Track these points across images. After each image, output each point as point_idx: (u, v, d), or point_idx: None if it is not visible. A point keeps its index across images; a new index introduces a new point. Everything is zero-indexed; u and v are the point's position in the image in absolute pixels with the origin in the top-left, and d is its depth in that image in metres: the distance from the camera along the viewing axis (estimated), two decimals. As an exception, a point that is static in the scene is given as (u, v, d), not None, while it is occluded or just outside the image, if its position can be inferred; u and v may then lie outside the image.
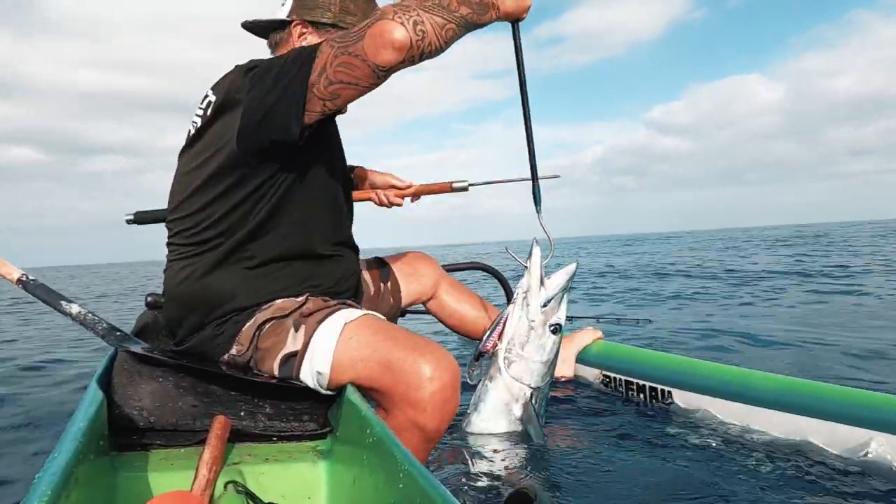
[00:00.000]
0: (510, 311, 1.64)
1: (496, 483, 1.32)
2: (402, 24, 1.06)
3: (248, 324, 1.26)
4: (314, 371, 1.19)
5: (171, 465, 1.04)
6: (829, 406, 1.45)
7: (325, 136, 1.34)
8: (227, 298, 1.28)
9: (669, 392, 1.87)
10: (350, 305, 1.33)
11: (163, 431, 1.12)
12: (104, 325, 1.32)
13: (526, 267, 1.63)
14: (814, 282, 6.24)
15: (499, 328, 1.64)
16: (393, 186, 1.96)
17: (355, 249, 1.53)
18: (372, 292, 1.77)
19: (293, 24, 1.41)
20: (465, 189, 2.01)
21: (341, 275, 1.43)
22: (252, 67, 1.25)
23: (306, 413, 1.22)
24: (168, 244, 1.36)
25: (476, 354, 1.66)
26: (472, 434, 1.65)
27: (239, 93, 1.23)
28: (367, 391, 1.18)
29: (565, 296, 1.63)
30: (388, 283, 1.85)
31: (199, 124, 1.30)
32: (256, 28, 1.49)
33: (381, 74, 1.12)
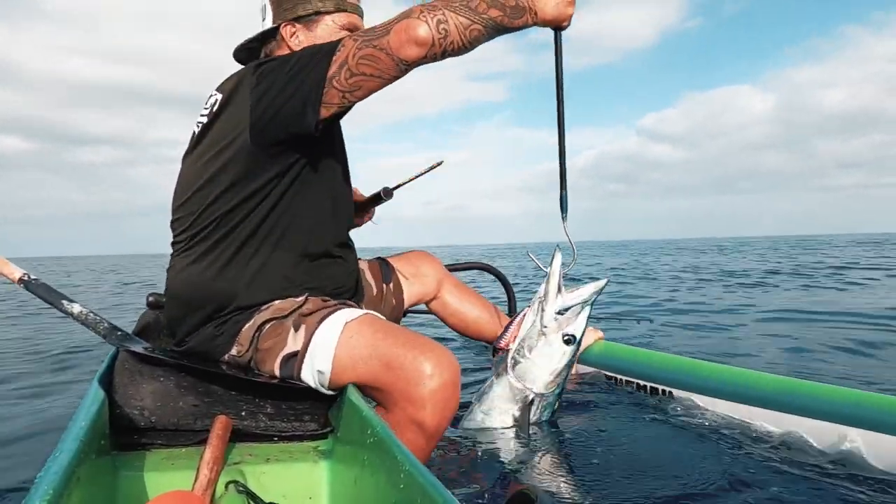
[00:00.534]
0: (527, 312, 1.63)
1: (498, 483, 1.32)
2: (425, 21, 1.13)
3: (247, 325, 1.27)
4: (315, 370, 1.20)
5: (172, 464, 1.04)
6: (829, 407, 1.45)
7: (330, 136, 1.35)
8: (228, 298, 1.28)
9: (670, 392, 1.87)
10: (350, 305, 1.33)
11: (164, 431, 1.13)
12: (105, 324, 1.32)
13: (546, 272, 1.61)
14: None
15: (513, 328, 1.63)
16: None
17: (353, 250, 1.53)
18: (374, 293, 1.77)
19: (281, 27, 1.42)
20: (390, 197, 1.95)
21: (341, 276, 1.43)
22: (261, 64, 1.27)
23: (307, 413, 1.22)
24: (172, 244, 1.37)
25: (493, 349, 1.66)
26: (471, 428, 1.65)
27: (244, 87, 1.24)
28: (367, 390, 1.18)
29: (586, 309, 1.60)
30: (391, 285, 1.85)
31: (204, 123, 1.31)
32: (248, 50, 1.49)
33: (403, 68, 1.17)
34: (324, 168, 1.35)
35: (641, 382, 1.98)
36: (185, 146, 1.38)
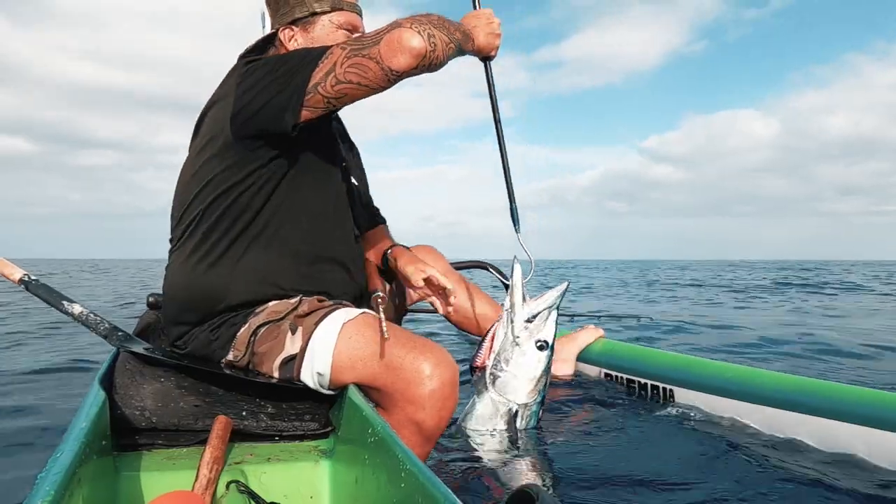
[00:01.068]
0: (497, 327, 1.64)
1: (498, 482, 1.32)
2: (418, 33, 1.14)
3: (242, 329, 1.26)
4: (314, 372, 1.19)
5: (173, 464, 1.04)
6: (830, 404, 1.45)
7: (317, 139, 1.34)
8: (217, 295, 1.28)
9: (671, 390, 1.87)
10: (346, 305, 1.33)
11: (165, 431, 1.13)
12: (106, 325, 1.32)
13: (507, 285, 1.63)
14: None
15: (487, 344, 1.64)
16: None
17: (358, 260, 1.50)
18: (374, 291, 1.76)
19: (280, 31, 1.43)
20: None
21: (340, 284, 1.40)
22: (251, 61, 1.29)
23: (308, 413, 1.22)
24: (169, 241, 1.38)
25: (470, 368, 1.67)
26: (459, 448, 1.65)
27: (232, 82, 1.26)
28: (366, 389, 1.18)
29: (553, 314, 1.63)
30: (394, 284, 1.85)
31: (197, 119, 1.34)
32: (252, 55, 1.51)
33: (392, 78, 1.17)
34: (313, 170, 1.34)
35: (642, 380, 1.98)
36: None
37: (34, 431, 1.85)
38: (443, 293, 1.52)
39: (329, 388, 1.21)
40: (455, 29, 1.26)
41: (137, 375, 1.17)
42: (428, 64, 1.18)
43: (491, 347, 1.63)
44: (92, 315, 1.33)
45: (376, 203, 1.86)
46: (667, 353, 2.12)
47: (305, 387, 1.21)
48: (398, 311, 1.88)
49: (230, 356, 1.26)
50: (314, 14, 1.40)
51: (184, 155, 1.41)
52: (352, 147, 1.70)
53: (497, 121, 1.67)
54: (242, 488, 0.97)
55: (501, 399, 1.61)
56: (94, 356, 3.04)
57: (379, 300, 1.28)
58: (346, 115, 1.63)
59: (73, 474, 0.73)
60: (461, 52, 1.30)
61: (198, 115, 1.38)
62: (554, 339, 1.63)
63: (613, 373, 2.10)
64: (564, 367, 2.21)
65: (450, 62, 1.27)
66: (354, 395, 1.11)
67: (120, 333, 1.31)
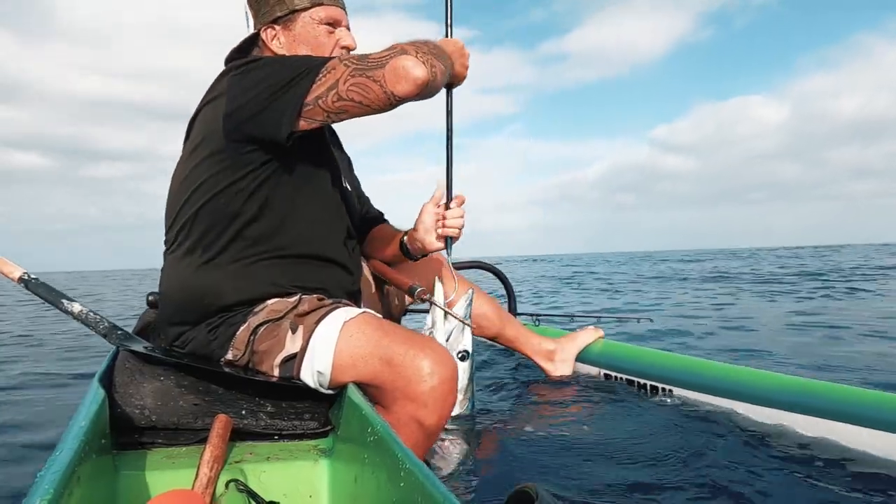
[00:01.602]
0: None
1: (497, 481, 1.32)
2: (423, 63, 1.17)
3: (241, 328, 1.26)
4: (315, 371, 1.19)
5: (173, 463, 1.04)
6: (831, 405, 1.45)
7: (310, 143, 1.33)
8: (214, 297, 1.28)
9: (671, 391, 1.87)
10: (346, 304, 1.33)
11: (164, 430, 1.13)
12: (106, 323, 1.32)
13: (433, 303, 1.68)
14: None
15: None
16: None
17: (353, 264, 1.49)
18: (373, 291, 1.77)
19: (262, 31, 1.44)
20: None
21: (333, 283, 1.40)
22: (246, 62, 1.29)
23: (307, 412, 1.22)
24: (164, 243, 1.38)
25: None
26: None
27: (223, 84, 1.27)
28: (366, 388, 1.18)
29: (467, 326, 1.71)
30: (393, 286, 1.85)
31: (189, 121, 1.35)
32: (237, 56, 1.50)
33: (394, 102, 1.20)
34: (306, 173, 1.34)
35: (641, 381, 1.98)
36: None
37: (34, 430, 1.85)
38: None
39: (329, 387, 1.21)
40: (447, 57, 1.31)
41: (137, 374, 1.17)
42: (427, 92, 1.22)
43: None
44: (91, 313, 1.33)
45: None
46: (667, 354, 2.12)
47: (305, 386, 1.21)
48: (398, 310, 1.88)
49: (229, 355, 1.26)
50: (294, 11, 1.40)
51: None
52: (342, 153, 1.70)
53: (449, 148, 1.68)
54: (242, 487, 0.97)
55: None
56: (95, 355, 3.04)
57: (425, 294, 1.39)
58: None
59: (72, 473, 0.73)
60: (446, 81, 1.36)
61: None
62: (472, 347, 1.73)
63: (613, 373, 2.10)
64: (564, 368, 2.21)
65: None
66: (354, 394, 1.11)
67: (119, 332, 1.31)
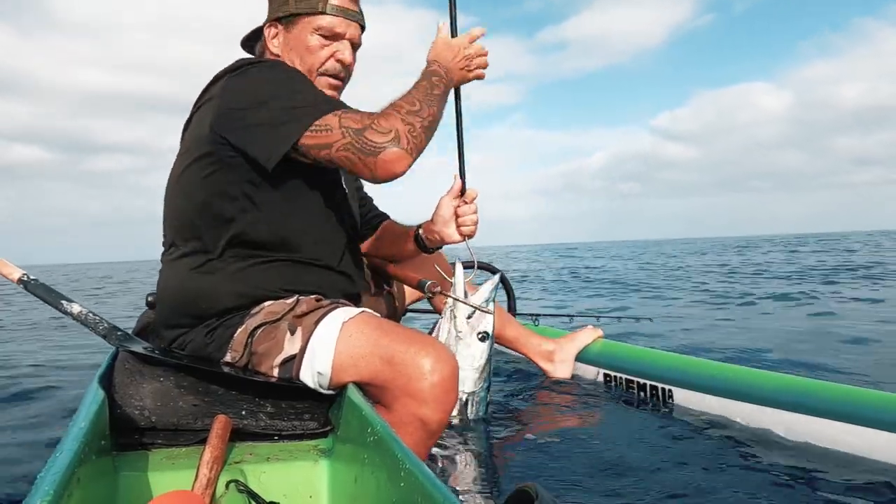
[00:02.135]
0: (439, 324, 1.73)
1: (497, 481, 1.32)
2: (411, 152, 1.20)
3: (239, 330, 1.26)
4: (315, 372, 1.19)
5: (173, 464, 1.04)
6: (830, 405, 1.45)
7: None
8: (210, 300, 1.28)
9: (670, 391, 1.87)
10: (345, 304, 1.33)
11: (164, 431, 1.12)
12: (105, 324, 1.32)
13: (451, 282, 1.71)
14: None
15: None
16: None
17: (352, 265, 1.49)
18: (372, 291, 1.77)
19: (265, 27, 1.44)
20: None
21: (330, 286, 1.39)
22: (237, 68, 1.29)
23: (307, 412, 1.22)
24: (162, 244, 1.38)
25: None
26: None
27: (218, 89, 1.27)
28: (367, 387, 1.18)
29: (490, 305, 1.73)
30: (394, 286, 1.85)
31: (185, 122, 1.35)
32: (250, 44, 1.52)
33: (378, 182, 1.25)
34: (299, 176, 1.32)
35: (641, 381, 1.98)
36: None
37: (34, 430, 1.85)
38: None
39: (329, 388, 1.21)
40: (439, 85, 1.33)
41: (137, 375, 1.17)
42: (417, 158, 1.23)
43: None
44: (91, 314, 1.32)
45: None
46: (666, 354, 2.12)
47: (305, 386, 1.21)
48: (398, 311, 1.88)
49: (227, 357, 1.26)
50: (295, 15, 1.38)
51: None
52: None
53: (459, 133, 1.68)
54: (242, 488, 0.97)
55: None
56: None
57: (435, 288, 1.40)
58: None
59: (72, 474, 0.73)
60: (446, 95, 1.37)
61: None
62: (493, 330, 1.74)
63: (612, 373, 2.10)
64: (563, 368, 2.21)
65: None
66: (354, 394, 1.11)
67: (119, 333, 1.31)
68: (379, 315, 1.30)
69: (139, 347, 1.26)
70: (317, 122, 1.19)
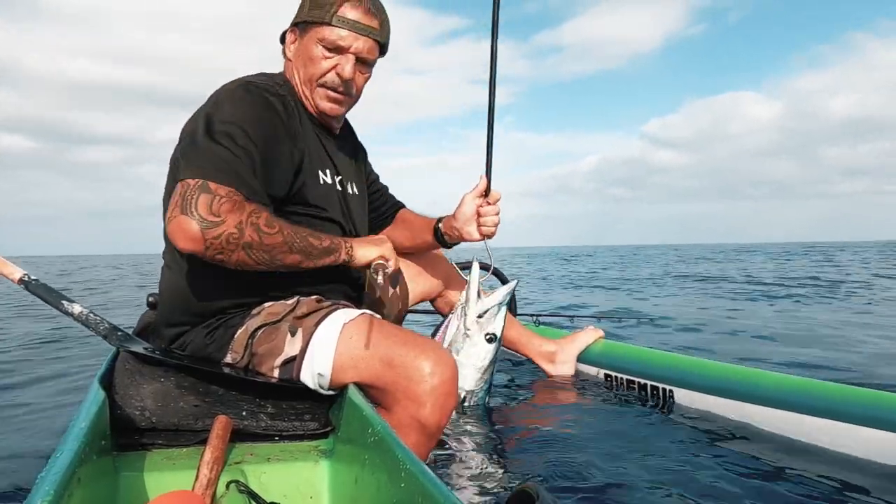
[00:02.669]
0: (451, 319, 1.74)
1: (498, 482, 1.32)
2: (201, 243, 1.08)
3: (239, 331, 1.26)
4: (315, 373, 1.19)
5: (173, 464, 1.04)
6: (831, 405, 1.45)
7: (281, 170, 1.28)
8: (208, 299, 1.27)
9: (671, 391, 1.87)
10: (345, 305, 1.33)
11: (164, 431, 1.12)
12: (106, 325, 1.32)
13: (467, 281, 1.74)
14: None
15: (440, 334, 1.75)
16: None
17: (350, 269, 1.48)
18: (376, 296, 1.76)
19: (289, 31, 1.42)
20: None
21: (329, 288, 1.39)
22: (222, 87, 1.28)
23: (308, 412, 1.22)
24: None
25: None
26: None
27: (214, 93, 1.27)
28: (367, 389, 1.18)
29: (502, 309, 1.74)
30: (398, 289, 1.84)
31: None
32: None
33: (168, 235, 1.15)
34: (293, 179, 1.30)
35: (642, 381, 1.98)
36: None
37: (34, 431, 1.85)
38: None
39: (329, 389, 1.21)
40: (325, 255, 1.24)
41: (137, 375, 1.17)
42: (206, 254, 1.10)
43: (443, 337, 1.74)
44: (91, 315, 1.32)
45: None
46: (666, 354, 2.12)
47: (305, 387, 1.21)
48: (401, 314, 1.88)
49: (228, 358, 1.26)
50: (305, 23, 1.37)
51: None
52: (357, 153, 1.66)
53: (490, 141, 1.67)
54: (242, 488, 0.97)
55: None
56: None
57: (383, 269, 1.29)
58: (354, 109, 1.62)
59: (72, 474, 0.73)
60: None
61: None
62: (501, 333, 1.75)
63: (613, 373, 2.10)
64: (565, 368, 2.21)
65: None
66: (354, 394, 1.11)
67: (119, 333, 1.31)
68: (380, 317, 1.30)
69: (139, 348, 1.26)
70: (196, 182, 1.10)
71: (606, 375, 2.13)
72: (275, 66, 1.49)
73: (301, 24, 1.39)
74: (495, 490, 1.27)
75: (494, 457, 1.49)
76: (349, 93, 1.41)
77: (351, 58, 1.36)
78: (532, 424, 1.79)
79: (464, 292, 1.74)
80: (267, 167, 1.21)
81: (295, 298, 1.30)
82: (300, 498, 1.04)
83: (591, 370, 2.20)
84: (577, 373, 2.22)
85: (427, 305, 2.10)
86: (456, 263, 2.05)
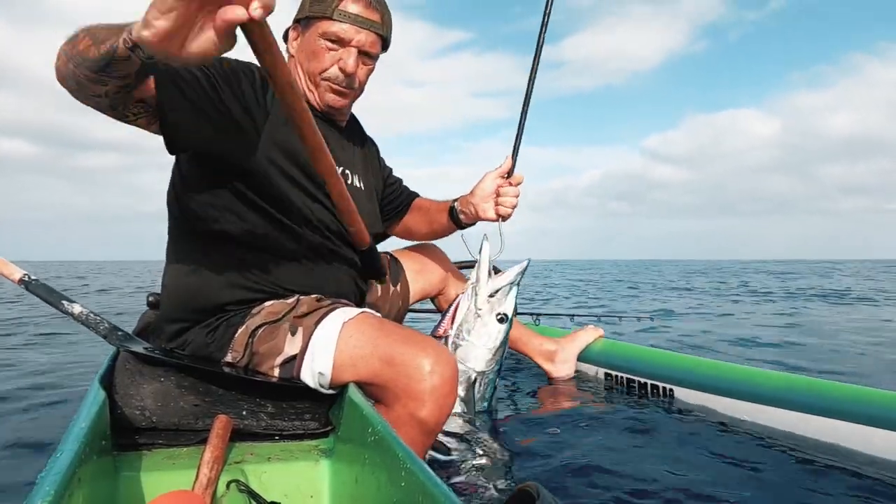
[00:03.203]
0: (461, 300, 1.72)
1: (498, 481, 1.32)
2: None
3: (240, 330, 1.26)
4: (316, 372, 1.19)
5: (173, 464, 1.04)
6: (830, 403, 1.45)
7: (286, 148, 1.28)
8: (207, 298, 1.28)
9: (671, 390, 1.87)
10: (345, 304, 1.33)
11: (165, 431, 1.12)
12: (106, 324, 1.32)
13: (477, 260, 1.71)
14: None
15: (450, 314, 1.72)
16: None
17: (354, 265, 1.47)
18: (379, 294, 1.76)
19: (291, 28, 1.42)
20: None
21: (330, 286, 1.39)
22: None
23: (308, 412, 1.22)
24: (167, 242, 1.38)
25: (432, 337, 1.70)
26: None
27: None
28: (366, 387, 1.18)
29: (514, 289, 1.71)
30: (399, 286, 1.84)
31: None
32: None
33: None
34: (291, 174, 1.29)
35: (642, 380, 1.98)
36: None
37: (34, 432, 1.85)
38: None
39: (329, 387, 1.21)
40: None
41: (137, 375, 1.17)
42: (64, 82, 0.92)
43: (453, 318, 1.72)
44: (91, 315, 1.32)
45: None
46: (667, 353, 2.12)
47: (305, 386, 1.21)
48: (401, 311, 1.88)
49: (228, 357, 1.26)
50: (309, 18, 1.36)
51: None
52: (364, 146, 1.64)
53: (521, 124, 1.69)
54: (242, 487, 0.97)
55: (461, 367, 1.67)
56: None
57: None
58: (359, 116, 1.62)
59: (73, 474, 0.73)
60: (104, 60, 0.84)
61: None
62: (513, 314, 1.73)
63: (613, 372, 2.10)
64: (565, 367, 2.21)
65: None
66: (354, 394, 1.11)
67: (120, 333, 1.31)
68: (380, 315, 1.30)
69: (140, 347, 1.26)
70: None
71: (607, 374, 2.13)
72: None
73: (303, 20, 1.39)
74: (495, 489, 1.27)
75: (494, 456, 1.49)
76: (352, 86, 1.41)
77: (353, 51, 1.36)
78: (532, 423, 1.79)
79: (474, 272, 1.71)
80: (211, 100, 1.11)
81: (295, 297, 1.30)
82: (300, 497, 1.04)
83: (592, 369, 2.20)
84: (578, 372, 2.22)
85: (428, 304, 2.10)
86: (454, 263, 2.05)
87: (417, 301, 1.94)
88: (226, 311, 1.29)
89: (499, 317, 1.69)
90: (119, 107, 0.99)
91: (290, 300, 1.29)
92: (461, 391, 1.65)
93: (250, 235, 1.28)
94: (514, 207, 1.62)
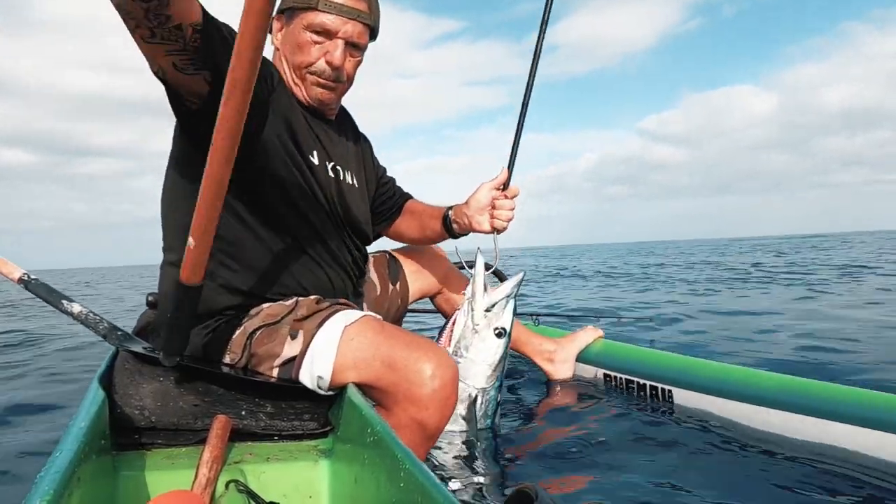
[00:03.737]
0: (457, 315, 1.69)
1: (497, 481, 1.32)
2: None
3: (237, 332, 1.26)
4: (315, 376, 1.19)
5: (172, 464, 1.04)
6: (829, 405, 1.45)
7: (277, 145, 1.27)
8: (208, 299, 1.27)
9: (670, 391, 1.87)
10: (346, 305, 1.32)
11: (164, 431, 1.12)
12: (105, 324, 1.32)
13: (471, 274, 1.67)
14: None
15: (447, 331, 1.69)
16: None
17: (351, 266, 1.47)
18: (378, 293, 1.76)
19: (274, 19, 1.39)
20: None
21: (327, 288, 1.39)
22: None
23: (307, 412, 1.22)
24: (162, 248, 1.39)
25: None
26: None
27: None
28: (367, 390, 1.18)
29: (510, 302, 1.68)
30: (398, 286, 1.84)
31: None
32: None
33: None
34: (284, 173, 1.29)
35: (641, 381, 1.98)
36: None
37: (34, 432, 1.85)
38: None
39: (329, 389, 1.21)
40: None
41: (137, 375, 1.17)
42: None
43: (451, 335, 1.68)
44: (91, 314, 1.32)
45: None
46: (666, 354, 2.12)
47: (304, 387, 1.21)
48: (401, 311, 1.88)
49: (226, 359, 1.26)
50: (293, 9, 1.34)
51: None
52: (358, 143, 1.62)
53: (518, 133, 1.67)
54: (241, 488, 0.97)
55: (461, 384, 1.64)
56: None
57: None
58: (351, 109, 1.61)
59: (72, 474, 0.73)
60: None
61: None
62: (511, 327, 1.69)
63: (612, 373, 2.10)
64: (564, 368, 2.21)
65: None
66: (354, 394, 1.11)
67: (119, 332, 1.31)
68: (381, 317, 1.29)
69: (139, 347, 1.26)
70: None
71: (606, 375, 2.13)
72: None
73: (287, 11, 1.36)
74: (494, 490, 1.27)
75: (493, 456, 1.49)
76: (340, 79, 1.38)
77: (340, 43, 1.33)
78: (530, 424, 1.79)
79: (469, 287, 1.69)
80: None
81: (294, 299, 1.30)
82: (299, 497, 1.04)
83: (591, 370, 2.20)
84: (577, 372, 2.22)
85: (427, 304, 2.10)
86: (455, 262, 2.05)
87: (417, 300, 1.94)
88: (224, 314, 1.29)
89: (497, 331, 1.65)
90: (153, 19, 0.89)
91: (289, 302, 1.29)
92: (462, 410, 1.62)
93: (244, 239, 1.28)
94: (509, 220, 1.58)
